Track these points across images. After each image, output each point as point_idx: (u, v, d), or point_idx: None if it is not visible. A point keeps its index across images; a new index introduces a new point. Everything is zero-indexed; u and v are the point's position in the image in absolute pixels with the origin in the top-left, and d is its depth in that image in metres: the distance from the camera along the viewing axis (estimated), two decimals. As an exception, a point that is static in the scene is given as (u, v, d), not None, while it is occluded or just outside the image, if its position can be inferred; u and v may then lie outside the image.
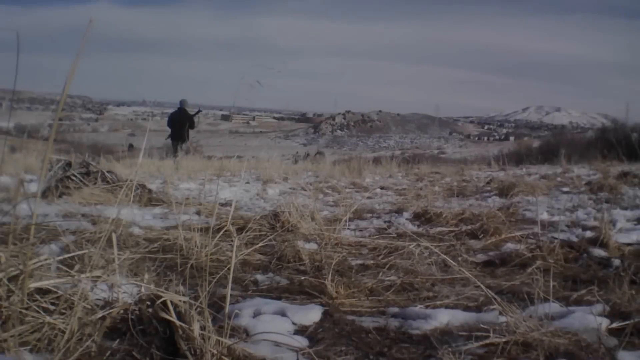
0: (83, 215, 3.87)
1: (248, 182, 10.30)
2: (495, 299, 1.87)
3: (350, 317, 1.90)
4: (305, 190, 9.04)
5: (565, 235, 3.43)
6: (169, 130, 14.99)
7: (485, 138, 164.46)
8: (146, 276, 1.89)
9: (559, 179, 10.55)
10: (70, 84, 1.57)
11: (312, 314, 1.86)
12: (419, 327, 1.85)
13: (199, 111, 15.13)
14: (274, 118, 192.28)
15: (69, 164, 5.43)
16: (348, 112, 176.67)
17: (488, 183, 9.71)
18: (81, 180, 5.21)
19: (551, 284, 1.99)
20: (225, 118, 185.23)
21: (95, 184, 5.21)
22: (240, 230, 3.41)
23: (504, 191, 7.47)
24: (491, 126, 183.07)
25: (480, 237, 3.20)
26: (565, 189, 7.96)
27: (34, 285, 1.53)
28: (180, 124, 14.37)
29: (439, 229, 3.67)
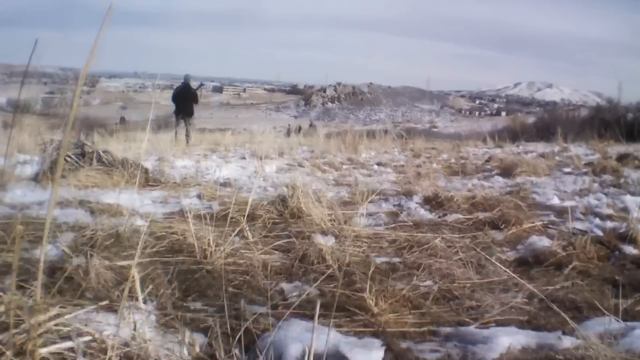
0: (80, 202, 3.68)
1: (244, 158, 10.13)
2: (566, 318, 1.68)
3: (404, 344, 1.72)
4: (303, 166, 8.90)
5: (583, 224, 3.30)
6: (173, 105, 15.18)
7: (477, 113, 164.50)
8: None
9: (557, 158, 10.44)
10: (90, 64, 1.41)
11: (374, 355, 1.63)
12: (483, 356, 1.68)
13: (202, 84, 15.29)
14: (265, 90, 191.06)
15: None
16: (339, 84, 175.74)
17: (487, 161, 9.60)
18: (76, 162, 5.02)
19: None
20: (217, 90, 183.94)
21: (90, 164, 5.02)
22: (248, 219, 3.24)
23: (507, 171, 7.36)
24: (482, 101, 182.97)
25: (501, 227, 3.06)
26: (567, 170, 7.85)
27: (44, 351, 1.35)
28: (185, 99, 14.60)
29: (455, 216, 3.52)
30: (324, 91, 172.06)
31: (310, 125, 41.08)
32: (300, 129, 40.64)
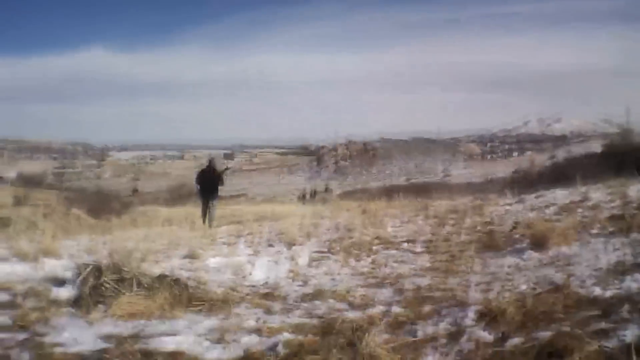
0: (134, 341, 3.79)
1: (271, 245, 10.24)
2: None
3: None
4: (333, 253, 8.98)
5: (633, 331, 3.33)
6: (197, 186, 15.51)
7: (488, 156, 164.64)
8: None
9: (579, 210, 10.49)
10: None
11: None
12: None
13: (227, 168, 15.72)
14: (277, 153, 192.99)
15: (98, 269, 5.34)
16: (350, 142, 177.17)
17: (515, 227, 9.62)
18: (115, 288, 5.12)
19: None
20: (228, 157, 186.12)
21: (131, 290, 5.12)
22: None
23: (537, 243, 7.42)
24: (493, 143, 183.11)
25: (564, 358, 3.10)
26: (594, 231, 7.87)
27: None
28: (210, 181, 14.86)
29: (515, 340, 3.56)
30: (336, 150, 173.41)
31: (326, 189, 41.46)
32: (315, 193, 41.09)
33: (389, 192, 33.71)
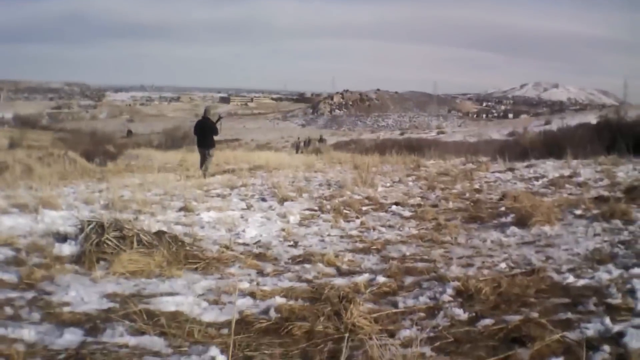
0: (135, 300, 4.09)
1: (264, 199, 10.49)
2: None
3: None
4: (324, 212, 9.24)
5: (595, 325, 3.59)
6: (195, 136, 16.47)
7: (484, 115, 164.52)
8: None
9: (568, 185, 10.76)
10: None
11: None
12: None
13: (220, 118, 16.43)
14: (272, 99, 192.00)
15: (101, 226, 5.56)
16: (346, 91, 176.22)
17: (501, 199, 9.87)
18: (117, 245, 5.36)
19: None
20: (224, 100, 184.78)
21: (132, 247, 5.36)
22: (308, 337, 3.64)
23: (521, 219, 7.68)
24: (489, 103, 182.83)
25: (527, 344, 3.38)
26: (578, 212, 8.12)
27: None
28: (205, 131, 15.69)
29: (486, 321, 3.85)
30: (331, 98, 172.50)
31: (320, 139, 41.42)
32: (309, 142, 41.03)
33: (382, 147, 33.91)
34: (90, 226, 5.53)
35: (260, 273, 5.49)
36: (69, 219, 7.24)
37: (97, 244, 5.33)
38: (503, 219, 8.22)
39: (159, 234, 5.91)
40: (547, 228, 7.28)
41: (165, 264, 5.22)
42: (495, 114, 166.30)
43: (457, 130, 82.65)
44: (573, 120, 68.36)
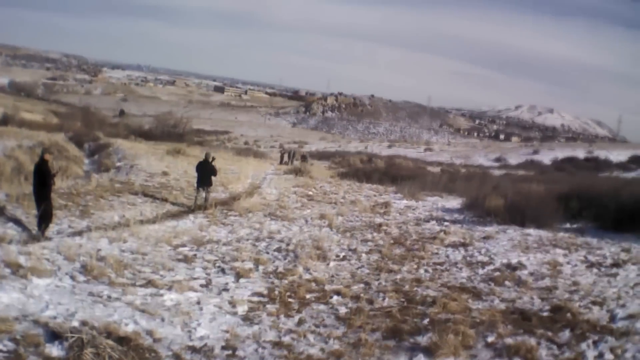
0: None
1: (223, 271, 10.75)
2: None
3: None
4: (271, 300, 9.40)
5: None
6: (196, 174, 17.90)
7: (475, 134, 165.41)
8: None
9: (506, 283, 10.65)
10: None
11: None
12: None
13: (213, 159, 18.07)
14: (266, 93, 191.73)
15: (82, 341, 6.09)
16: (340, 94, 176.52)
17: (433, 303, 9.92)
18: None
19: None
20: (218, 89, 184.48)
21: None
22: None
23: (432, 347, 7.66)
24: (482, 121, 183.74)
25: None
26: (490, 339, 7.67)
27: None
28: (205, 172, 17.65)
29: None
30: (325, 99, 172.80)
31: (302, 157, 41.72)
32: (294, 154, 41.10)
33: (363, 171, 33.95)
34: (73, 339, 6.05)
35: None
36: (55, 291, 7.74)
37: (79, 357, 5.85)
38: (419, 338, 8.12)
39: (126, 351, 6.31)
40: (451, 360, 7.23)
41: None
42: (487, 134, 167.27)
43: (445, 150, 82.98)
44: (562, 152, 68.71)
